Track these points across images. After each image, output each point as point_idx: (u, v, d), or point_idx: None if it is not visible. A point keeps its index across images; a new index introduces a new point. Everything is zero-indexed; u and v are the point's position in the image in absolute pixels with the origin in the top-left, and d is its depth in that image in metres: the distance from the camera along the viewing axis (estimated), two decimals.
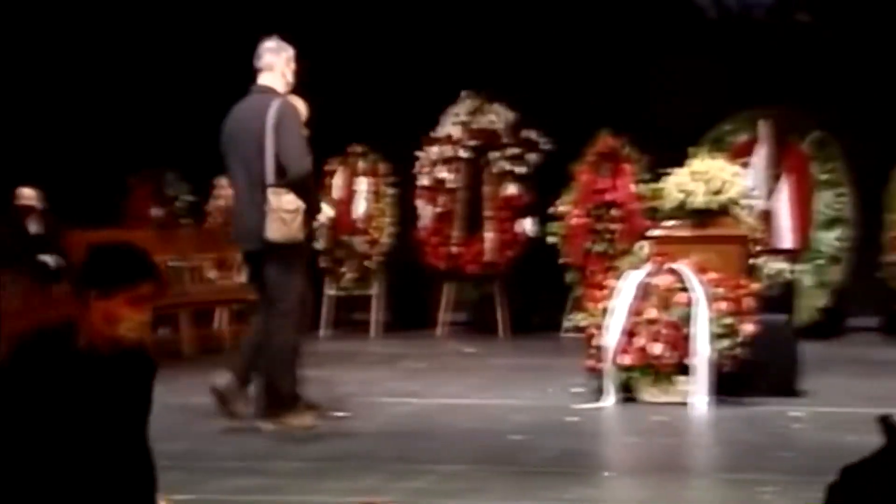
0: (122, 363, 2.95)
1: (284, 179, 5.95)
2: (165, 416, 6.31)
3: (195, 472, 5.23)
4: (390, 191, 10.80)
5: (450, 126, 10.56)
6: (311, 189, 6.10)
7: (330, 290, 10.74)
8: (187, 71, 10.84)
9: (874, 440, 6.08)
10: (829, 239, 10.04)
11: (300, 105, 6.34)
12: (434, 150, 10.55)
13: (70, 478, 2.88)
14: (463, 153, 10.51)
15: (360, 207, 10.79)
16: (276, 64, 6.16)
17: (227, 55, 10.94)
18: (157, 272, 2.98)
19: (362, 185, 10.78)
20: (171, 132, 10.81)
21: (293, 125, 6.04)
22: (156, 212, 11.28)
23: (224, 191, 10.88)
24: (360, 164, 10.83)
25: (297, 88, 6.34)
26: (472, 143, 10.50)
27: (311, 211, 6.10)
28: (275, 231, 5.95)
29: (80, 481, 2.89)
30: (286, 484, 5.07)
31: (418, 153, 10.57)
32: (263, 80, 6.17)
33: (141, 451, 3.00)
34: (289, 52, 6.22)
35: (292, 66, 6.20)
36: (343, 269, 10.73)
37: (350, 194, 10.83)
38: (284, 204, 5.92)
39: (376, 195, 10.78)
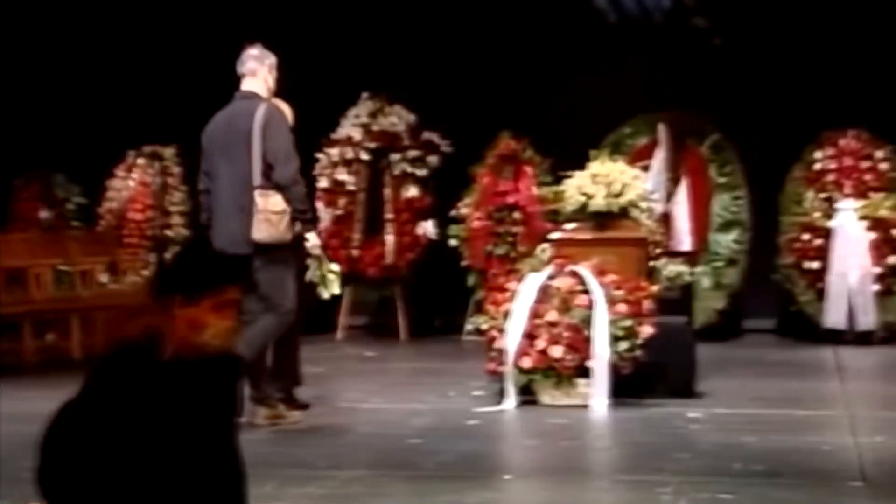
0: (207, 370, 2.86)
1: (271, 181, 6.03)
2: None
3: None
4: None
5: (350, 128, 10.47)
6: (300, 190, 6.18)
7: None
8: (76, 71, 10.59)
9: (771, 440, 6.17)
10: (727, 241, 10.17)
11: (286, 110, 6.44)
12: (334, 152, 10.45)
13: (162, 491, 2.81)
14: (363, 155, 10.43)
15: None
16: (258, 70, 6.31)
17: (117, 56, 10.76)
18: (242, 277, 2.94)
19: None
20: (60, 133, 10.55)
21: (281, 128, 6.16)
22: (44, 214, 10.99)
23: (116, 193, 10.69)
24: None
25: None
26: (373, 145, 10.43)
27: (302, 210, 6.16)
28: (262, 232, 6.03)
29: (173, 493, 2.82)
30: None
31: (317, 155, 10.46)
32: (247, 85, 6.31)
33: (230, 457, 2.92)
34: (271, 59, 6.39)
35: (275, 73, 6.36)
36: None
37: None
38: (271, 205, 6.02)
39: None
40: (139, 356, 2.83)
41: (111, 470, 2.78)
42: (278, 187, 6.05)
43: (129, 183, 10.66)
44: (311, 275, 6.43)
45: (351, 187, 10.45)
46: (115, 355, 2.86)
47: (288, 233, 6.08)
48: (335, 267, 6.60)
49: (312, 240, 6.28)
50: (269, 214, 6.02)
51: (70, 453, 2.82)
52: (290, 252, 6.17)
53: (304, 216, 6.22)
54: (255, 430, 6.32)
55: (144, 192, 10.64)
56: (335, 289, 6.60)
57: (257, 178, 6.06)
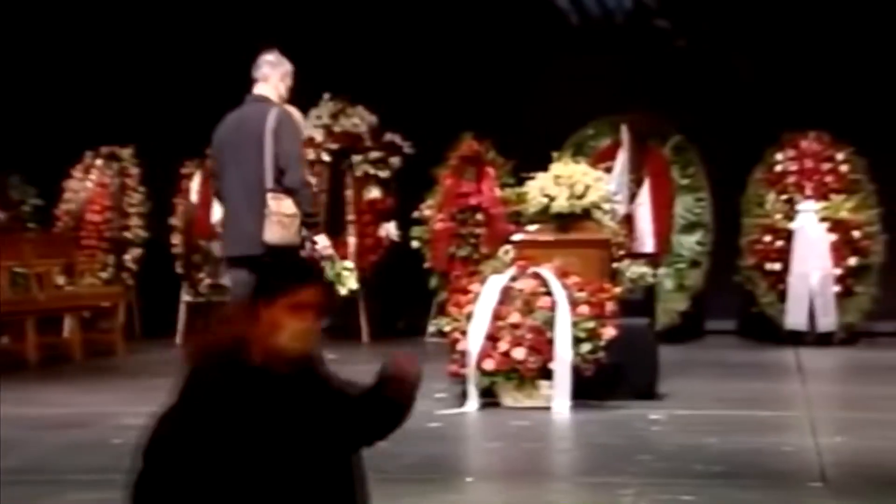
0: (296, 376, 2.82)
1: (282, 185, 6.11)
2: (6, 428, 6.11)
3: (36, 486, 5.03)
4: None
5: (311, 129, 10.40)
6: (308, 193, 6.30)
7: (187, 297, 10.48)
8: (32, 70, 10.46)
9: (732, 441, 6.17)
10: (690, 243, 10.19)
11: (297, 115, 6.49)
12: None
13: (264, 496, 2.77)
14: (324, 156, 10.37)
15: (218, 211, 10.54)
16: (271, 76, 6.40)
17: (73, 55, 10.64)
18: (319, 278, 2.91)
19: None
20: (15, 134, 10.41)
21: (292, 132, 6.25)
22: None
23: (73, 194, 10.57)
24: None
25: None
26: (334, 146, 10.37)
27: (311, 214, 6.27)
28: (274, 234, 6.09)
29: (274, 498, 2.78)
30: None
31: None
32: (259, 90, 6.37)
33: (334, 458, 2.87)
34: (286, 66, 6.47)
35: (288, 81, 6.44)
36: (201, 275, 10.48)
37: (207, 198, 10.57)
38: (284, 208, 6.10)
39: None
40: (230, 362, 2.81)
41: (212, 477, 2.76)
42: (288, 191, 6.14)
43: (86, 184, 10.55)
44: (327, 275, 6.46)
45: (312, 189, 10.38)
46: (206, 362, 2.84)
47: (298, 236, 6.18)
48: (348, 264, 6.78)
49: (322, 241, 6.37)
50: (282, 217, 6.11)
51: (171, 462, 2.80)
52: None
53: (312, 219, 6.31)
54: None
55: (102, 193, 10.54)
56: (352, 284, 6.73)
57: (269, 181, 6.14)
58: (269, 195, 6.10)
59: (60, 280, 9.52)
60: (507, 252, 7.49)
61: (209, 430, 2.78)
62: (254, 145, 6.15)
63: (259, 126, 6.17)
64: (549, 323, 6.81)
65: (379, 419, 2.96)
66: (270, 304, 2.80)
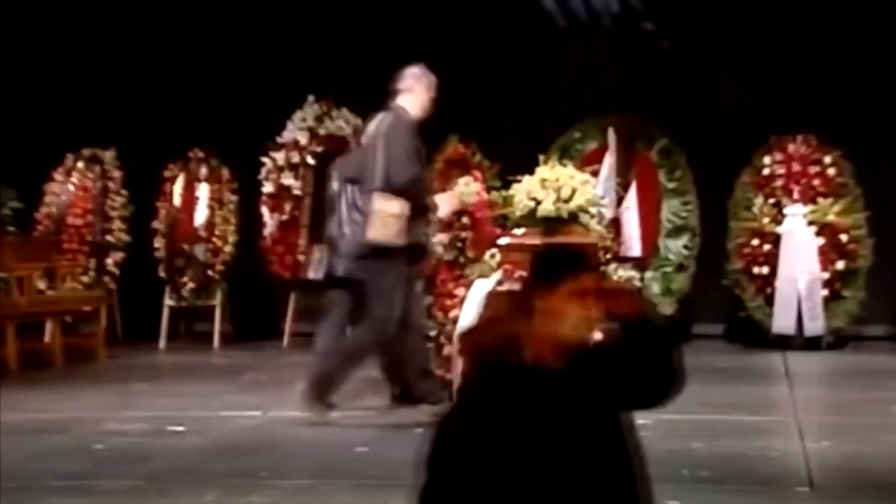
0: (570, 370, 2.77)
1: (390, 184, 6.31)
2: None
3: (16, 493, 4.96)
4: (233, 198, 10.49)
5: (296, 131, 10.34)
6: (420, 195, 6.47)
7: (170, 301, 10.40)
8: (11, 71, 10.37)
9: (719, 445, 6.14)
10: (677, 247, 10.15)
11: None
12: (279, 157, 10.31)
13: (556, 498, 2.73)
14: (309, 159, 10.30)
15: (201, 215, 10.50)
16: (415, 88, 6.65)
17: (54, 56, 10.56)
18: (597, 266, 2.86)
19: (204, 191, 10.47)
20: None
21: (401, 133, 6.42)
22: None
23: (54, 197, 10.47)
24: (202, 170, 10.52)
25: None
26: (319, 149, 10.30)
27: (423, 213, 6.51)
28: (374, 231, 6.28)
29: (567, 500, 2.74)
30: None
31: (263, 159, 10.32)
32: (399, 100, 6.60)
33: (621, 457, 2.83)
34: (430, 79, 6.75)
35: (432, 93, 6.70)
36: (184, 279, 10.40)
37: (191, 201, 10.51)
38: (388, 207, 6.30)
39: (219, 202, 10.48)
40: (504, 362, 2.77)
41: (498, 481, 2.73)
42: (396, 190, 6.30)
43: (67, 187, 10.47)
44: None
45: (297, 192, 10.31)
46: (482, 366, 2.81)
47: (400, 237, 6.31)
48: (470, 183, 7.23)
49: (443, 200, 6.80)
50: (385, 216, 6.29)
51: (455, 468, 2.78)
52: (402, 258, 6.41)
53: (426, 209, 6.55)
54: (196, 440, 6.19)
55: (84, 196, 10.46)
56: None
57: (378, 180, 6.33)
58: (376, 194, 6.31)
59: (41, 284, 9.45)
60: (493, 256, 7.46)
61: (491, 435, 2.73)
62: (370, 148, 6.49)
63: (377, 130, 6.47)
64: None
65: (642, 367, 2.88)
66: (549, 293, 2.75)
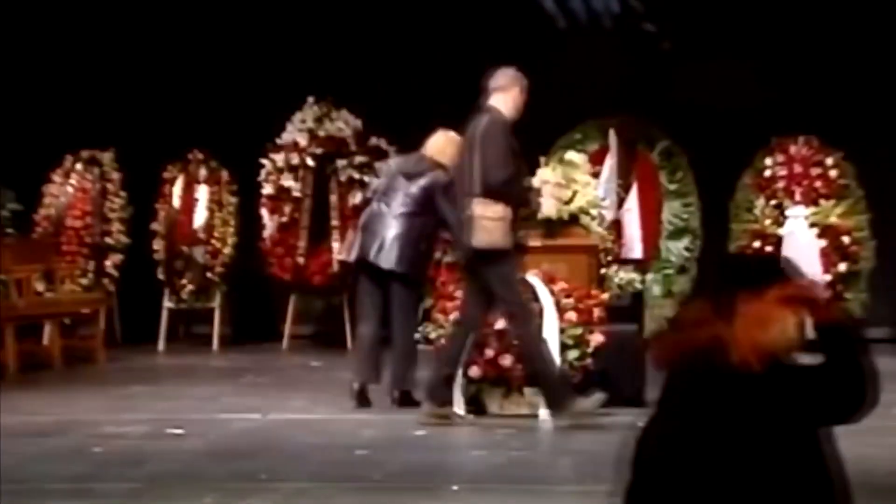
0: (776, 376, 2.69)
1: (488, 188, 6.28)
2: None
3: (14, 496, 4.93)
4: (232, 199, 10.49)
5: (295, 133, 10.31)
6: (516, 196, 6.45)
7: (169, 303, 10.38)
8: (9, 72, 10.34)
9: None
10: (678, 248, 10.13)
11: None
12: (278, 158, 10.29)
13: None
14: (309, 161, 10.27)
15: (200, 217, 10.47)
16: (510, 88, 6.61)
17: (53, 57, 10.53)
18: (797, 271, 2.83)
19: (203, 193, 10.45)
20: None
21: (497, 135, 6.38)
22: None
23: (53, 199, 10.44)
24: (201, 172, 10.50)
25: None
26: (319, 150, 10.27)
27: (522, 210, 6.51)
28: (479, 238, 6.28)
29: None
30: None
31: (262, 160, 10.29)
32: (492, 100, 6.56)
33: (821, 467, 2.72)
34: (524, 81, 6.73)
35: (525, 95, 6.67)
36: (183, 281, 10.38)
37: (190, 203, 10.49)
38: (488, 212, 6.27)
39: (218, 204, 10.47)
40: (707, 364, 2.70)
41: (711, 488, 2.67)
42: (493, 193, 6.30)
43: (66, 189, 10.45)
44: None
45: (296, 194, 10.28)
46: (686, 369, 2.74)
47: (505, 239, 6.33)
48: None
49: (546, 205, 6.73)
50: (485, 221, 6.28)
51: (667, 474, 2.72)
52: (509, 257, 6.45)
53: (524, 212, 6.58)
54: (196, 443, 6.16)
55: (83, 198, 10.44)
56: None
57: (477, 185, 6.32)
58: (475, 200, 6.26)
59: (40, 286, 9.42)
60: None
61: (696, 437, 2.69)
62: (469, 153, 6.40)
63: (473, 133, 6.42)
64: None
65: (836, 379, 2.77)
66: (757, 298, 2.70)
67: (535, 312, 6.50)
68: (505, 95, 6.57)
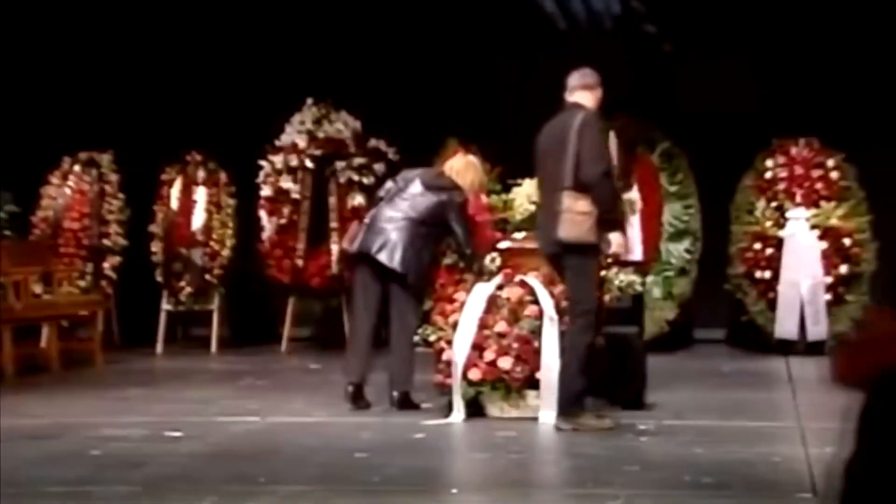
0: None
1: (579, 182, 6.30)
2: None
3: (11, 499, 4.92)
4: (231, 201, 10.47)
5: (294, 134, 10.29)
6: (605, 192, 6.40)
7: (167, 306, 10.35)
8: (7, 73, 10.33)
9: (721, 451, 6.09)
10: (678, 251, 10.10)
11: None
12: (277, 160, 10.26)
13: None
14: (308, 163, 10.24)
15: (198, 219, 10.45)
16: (595, 86, 6.68)
17: (51, 58, 10.51)
18: None
19: (201, 195, 10.43)
20: None
21: (594, 131, 6.45)
22: None
23: (51, 201, 10.42)
24: (199, 173, 10.48)
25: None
26: (318, 152, 10.25)
27: (606, 211, 6.40)
28: (565, 231, 6.30)
29: None
30: None
31: (261, 162, 10.27)
32: (577, 97, 6.61)
33: None
34: (600, 79, 6.78)
35: (600, 94, 6.71)
36: (181, 284, 10.35)
37: (188, 205, 10.46)
38: (577, 206, 6.29)
39: (216, 206, 10.45)
40: None
41: None
42: (584, 187, 6.30)
43: (64, 191, 10.43)
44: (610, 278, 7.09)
45: (295, 196, 10.26)
46: (888, 383, 2.55)
47: (591, 234, 6.32)
48: (633, 277, 7.45)
49: (615, 241, 6.53)
50: (575, 215, 6.28)
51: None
52: (594, 254, 6.46)
53: (608, 215, 6.45)
54: (194, 446, 6.14)
55: (81, 199, 10.42)
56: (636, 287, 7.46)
57: (568, 179, 6.31)
58: (565, 193, 6.28)
59: (38, 288, 9.38)
60: (493, 260, 7.42)
61: None
62: (560, 148, 6.40)
63: (566, 130, 6.40)
64: (536, 332, 6.71)
65: None
66: None
67: (594, 326, 6.49)
68: (592, 93, 6.64)
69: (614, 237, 6.49)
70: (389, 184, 7.47)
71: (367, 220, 7.31)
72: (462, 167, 7.36)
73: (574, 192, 6.28)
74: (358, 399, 7.05)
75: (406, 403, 7.02)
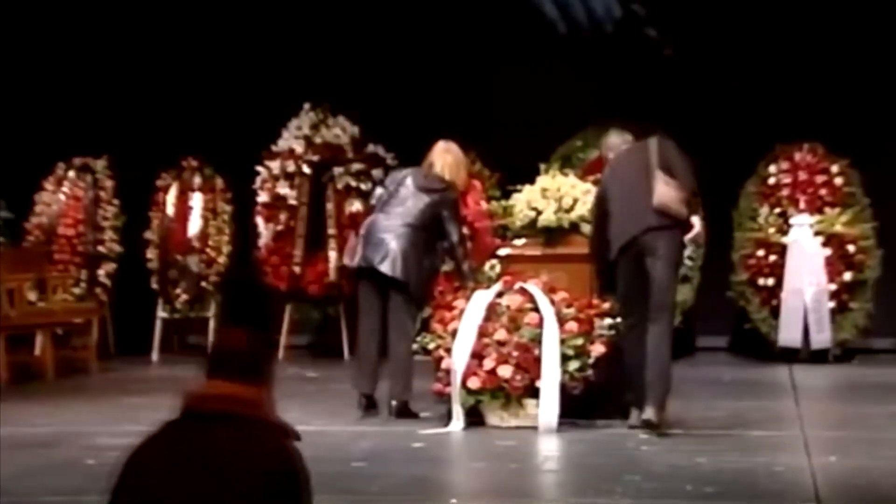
0: None
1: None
2: None
3: None
4: (227, 207, 10.41)
5: (291, 140, 10.23)
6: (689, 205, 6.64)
7: (163, 313, 10.28)
8: (1, 81, 10.27)
9: (724, 460, 6.02)
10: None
11: None
12: (274, 165, 10.20)
13: None
14: (305, 168, 10.18)
15: (195, 225, 10.39)
16: None
17: (45, 63, 10.46)
18: None
19: (197, 201, 10.37)
20: None
21: (683, 156, 6.76)
22: None
23: (45, 207, 10.35)
24: (196, 179, 10.42)
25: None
26: (315, 158, 10.19)
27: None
28: (662, 196, 6.47)
29: None
30: None
31: (258, 168, 10.21)
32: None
33: None
34: None
35: None
36: (177, 291, 10.29)
37: (184, 211, 10.40)
38: (672, 190, 6.49)
39: (213, 212, 10.39)
40: None
41: None
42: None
43: (58, 197, 10.38)
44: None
45: (292, 202, 10.20)
46: None
47: (684, 209, 6.55)
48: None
49: (697, 223, 6.74)
50: (671, 190, 6.48)
51: None
52: (683, 233, 6.62)
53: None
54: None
55: (75, 206, 10.36)
56: None
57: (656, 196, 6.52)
58: (658, 172, 6.49)
59: (32, 296, 9.32)
60: (493, 267, 7.39)
61: None
62: (643, 168, 6.61)
63: (645, 152, 6.70)
64: (537, 340, 6.67)
65: None
66: None
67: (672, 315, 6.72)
68: None
69: (695, 219, 6.70)
70: (380, 191, 7.41)
71: (363, 232, 7.25)
72: (453, 163, 7.29)
73: (665, 175, 6.50)
74: (371, 408, 7.09)
75: (405, 412, 6.96)
